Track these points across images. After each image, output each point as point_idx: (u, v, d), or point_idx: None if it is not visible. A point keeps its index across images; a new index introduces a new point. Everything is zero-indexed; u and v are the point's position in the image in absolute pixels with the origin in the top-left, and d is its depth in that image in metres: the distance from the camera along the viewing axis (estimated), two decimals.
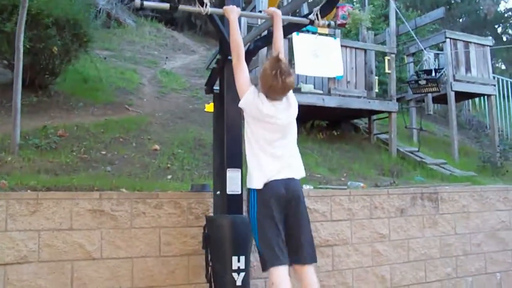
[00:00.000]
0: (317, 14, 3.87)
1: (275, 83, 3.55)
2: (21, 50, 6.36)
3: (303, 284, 3.67)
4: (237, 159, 4.33)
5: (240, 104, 3.72)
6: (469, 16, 20.44)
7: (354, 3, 9.78)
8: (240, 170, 4.32)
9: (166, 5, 3.54)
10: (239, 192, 4.28)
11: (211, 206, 4.75)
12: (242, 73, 3.71)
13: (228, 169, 4.26)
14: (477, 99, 13.64)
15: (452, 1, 18.37)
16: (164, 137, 7.74)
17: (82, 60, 9.69)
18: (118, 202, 4.50)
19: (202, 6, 3.59)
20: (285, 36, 4.32)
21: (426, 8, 15.45)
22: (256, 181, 3.67)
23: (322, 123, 9.67)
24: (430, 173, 8.52)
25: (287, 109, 3.75)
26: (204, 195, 4.88)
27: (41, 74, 8.41)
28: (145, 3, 3.49)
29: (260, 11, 9.52)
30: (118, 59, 12.74)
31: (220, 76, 4.53)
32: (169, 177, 6.26)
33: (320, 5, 3.89)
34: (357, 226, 5.61)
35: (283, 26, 4.09)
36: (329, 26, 3.94)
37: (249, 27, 10.25)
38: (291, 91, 3.79)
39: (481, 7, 18.14)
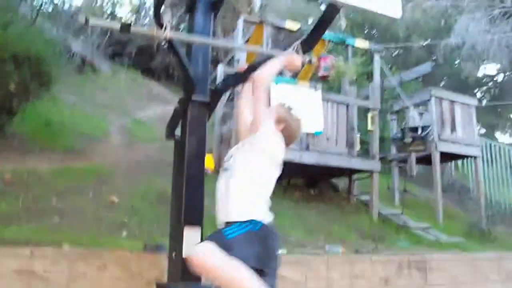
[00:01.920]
0: (297, 49, 3.29)
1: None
2: None
3: None
4: (197, 216, 3.66)
5: (278, 144, 3.12)
6: (450, 78, 20.37)
7: (337, 56, 9.27)
8: (200, 228, 3.63)
9: (116, 25, 2.95)
10: None
11: (166, 270, 4.01)
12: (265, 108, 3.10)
13: (185, 227, 3.57)
14: (459, 161, 13.15)
15: (434, 63, 18.23)
16: (125, 189, 7.04)
17: (46, 102, 9.05)
18: (53, 261, 3.78)
19: (161, 29, 2.98)
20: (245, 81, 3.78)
21: (407, 68, 15.25)
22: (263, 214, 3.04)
23: (298, 182, 9.04)
24: (414, 238, 7.93)
25: None
26: (158, 257, 4.16)
27: None
28: (92, 21, 2.88)
29: (238, 60, 9.13)
30: (88, 105, 12.11)
31: (182, 119, 3.89)
32: (124, 233, 5.53)
33: (302, 38, 3.33)
34: None
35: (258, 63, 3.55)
36: (309, 62, 3.37)
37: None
38: None
39: (463, 70, 18.02)
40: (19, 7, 9.12)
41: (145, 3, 18.63)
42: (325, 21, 3.33)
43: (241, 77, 3.83)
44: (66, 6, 13.94)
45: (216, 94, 3.80)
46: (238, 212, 3.00)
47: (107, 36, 16.65)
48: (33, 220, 5.43)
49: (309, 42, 3.39)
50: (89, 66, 15.19)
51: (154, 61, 18.09)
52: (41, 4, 10.51)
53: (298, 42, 3.30)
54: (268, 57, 3.54)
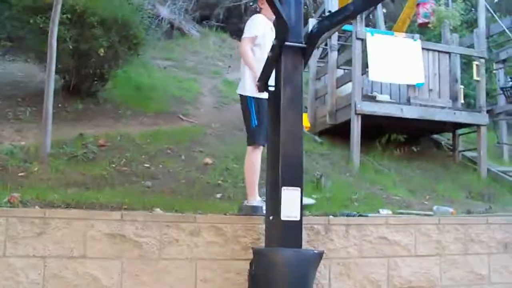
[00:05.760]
0: None
1: None
2: (54, 47, 5.62)
3: None
4: (296, 175, 3.31)
5: None
6: None
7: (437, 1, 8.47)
8: (300, 189, 3.28)
9: None
10: (298, 219, 3.24)
11: (263, 234, 3.72)
12: None
13: (283, 188, 3.24)
14: None
15: None
16: (219, 150, 6.84)
17: (137, 67, 9.04)
18: (144, 225, 3.58)
19: None
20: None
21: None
22: None
23: (399, 138, 8.44)
24: None
25: None
26: (254, 220, 3.88)
27: (89, 79, 7.82)
28: None
29: (330, 11, 8.60)
30: (179, 69, 12.08)
31: (276, 68, 3.50)
32: (219, 195, 5.31)
33: None
34: (448, 263, 4.44)
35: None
36: None
37: None
38: None
39: None
40: None
41: None
42: None
43: (338, 19, 3.42)
44: None
45: (312, 39, 3.39)
46: None
47: (195, 0, 16.52)
48: (126, 183, 5.34)
49: None
50: (178, 31, 15.15)
51: (242, 23, 17.79)
52: None
53: None
54: None
